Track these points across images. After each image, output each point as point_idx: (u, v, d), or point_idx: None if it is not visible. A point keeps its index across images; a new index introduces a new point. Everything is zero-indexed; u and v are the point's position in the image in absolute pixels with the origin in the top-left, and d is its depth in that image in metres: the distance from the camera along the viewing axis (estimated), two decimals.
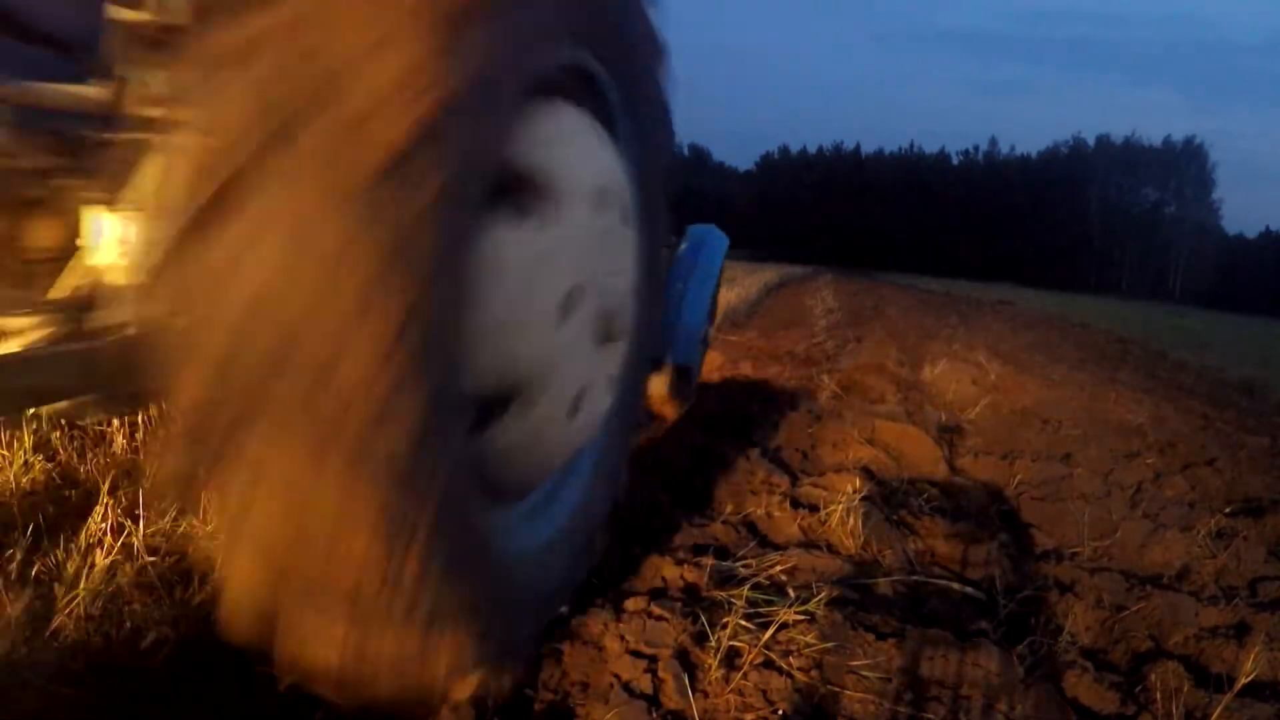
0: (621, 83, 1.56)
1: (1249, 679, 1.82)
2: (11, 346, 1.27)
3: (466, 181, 0.98)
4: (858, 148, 70.79)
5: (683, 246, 2.81)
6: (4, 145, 1.15)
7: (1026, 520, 2.90)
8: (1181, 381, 8.25)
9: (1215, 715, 1.70)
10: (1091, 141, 64.69)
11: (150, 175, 1.20)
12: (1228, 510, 3.07)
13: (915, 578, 2.27)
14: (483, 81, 0.98)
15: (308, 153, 0.83)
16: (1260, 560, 2.65)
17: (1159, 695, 1.77)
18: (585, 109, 1.42)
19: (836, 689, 1.66)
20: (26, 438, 2.18)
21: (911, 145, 69.91)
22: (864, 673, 1.71)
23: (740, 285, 11.86)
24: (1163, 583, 2.45)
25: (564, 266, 1.27)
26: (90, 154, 1.22)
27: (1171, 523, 2.92)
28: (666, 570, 2.10)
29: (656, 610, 1.86)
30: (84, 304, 1.31)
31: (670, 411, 2.84)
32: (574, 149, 1.34)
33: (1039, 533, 2.78)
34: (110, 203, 1.24)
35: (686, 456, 3.02)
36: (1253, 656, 1.91)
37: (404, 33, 0.88)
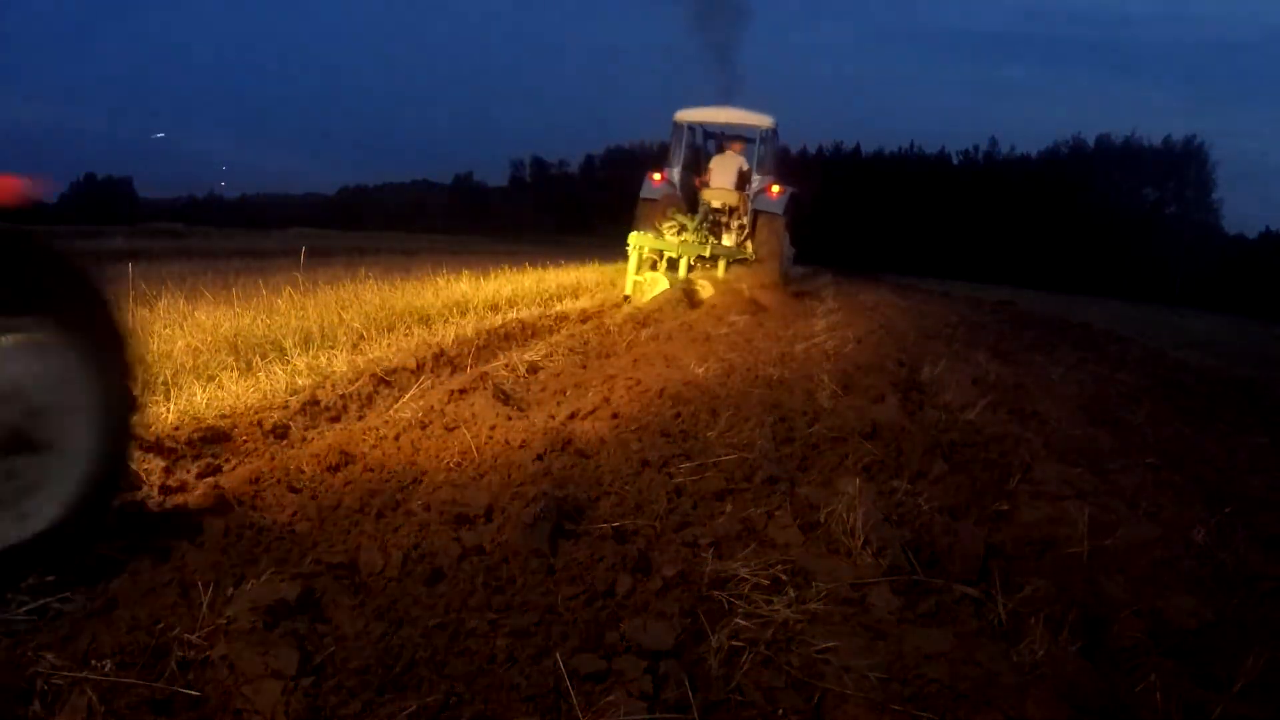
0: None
1: (1249, 679, 1.83)
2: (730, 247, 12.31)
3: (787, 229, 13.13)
4: (858, 148, 70.78)
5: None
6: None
7: (1026, 519, 2.90)
8: (1181, 381, 8.25)
9: (1215, 715, 1.70)
10: (1091, 141, 64.69)
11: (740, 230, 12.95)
12: (1228, 510, 3.07)
13: (915, 578, 2.27)
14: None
15: (767, 235, 12.43)
16: (1260, 560, 2.65)
17: (1159, 695, 1.77)
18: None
19: (836, 689, 1.66)
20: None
21: (911, 145, 69.72)
22: (864, 672, 1.71)
23: None
24: (1162, 582, 2.45)
25: (788, 239, 13.40)
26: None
27: (1171, 522, 2.92)
28: (666, 570, 2.10)
29: (656, 610, 1.86)
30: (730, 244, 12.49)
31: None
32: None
33: (1038, 531, 2.78)
34: (734, 230, 12.79)
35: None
36: (1252, 656, 1.91)
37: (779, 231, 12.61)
